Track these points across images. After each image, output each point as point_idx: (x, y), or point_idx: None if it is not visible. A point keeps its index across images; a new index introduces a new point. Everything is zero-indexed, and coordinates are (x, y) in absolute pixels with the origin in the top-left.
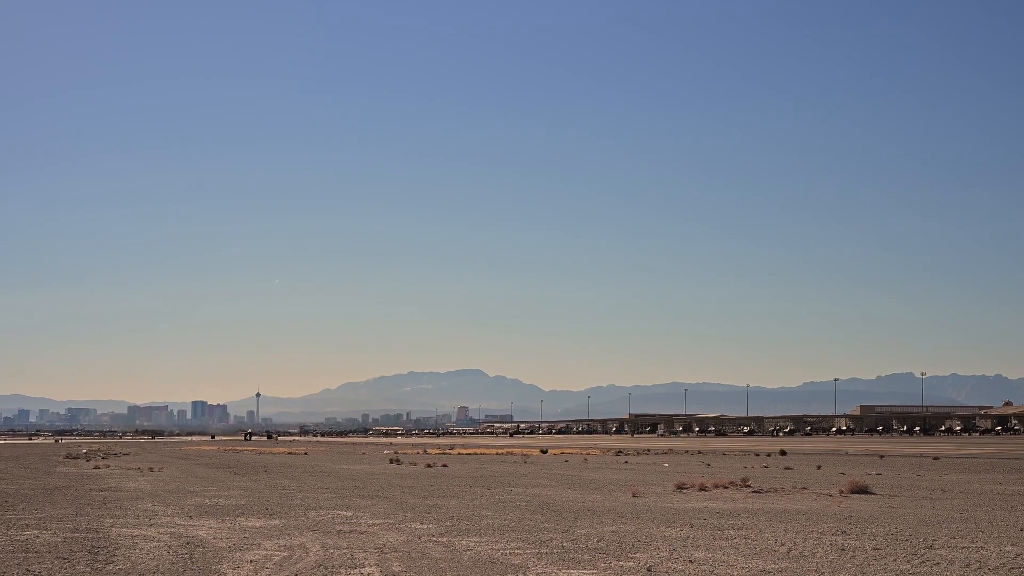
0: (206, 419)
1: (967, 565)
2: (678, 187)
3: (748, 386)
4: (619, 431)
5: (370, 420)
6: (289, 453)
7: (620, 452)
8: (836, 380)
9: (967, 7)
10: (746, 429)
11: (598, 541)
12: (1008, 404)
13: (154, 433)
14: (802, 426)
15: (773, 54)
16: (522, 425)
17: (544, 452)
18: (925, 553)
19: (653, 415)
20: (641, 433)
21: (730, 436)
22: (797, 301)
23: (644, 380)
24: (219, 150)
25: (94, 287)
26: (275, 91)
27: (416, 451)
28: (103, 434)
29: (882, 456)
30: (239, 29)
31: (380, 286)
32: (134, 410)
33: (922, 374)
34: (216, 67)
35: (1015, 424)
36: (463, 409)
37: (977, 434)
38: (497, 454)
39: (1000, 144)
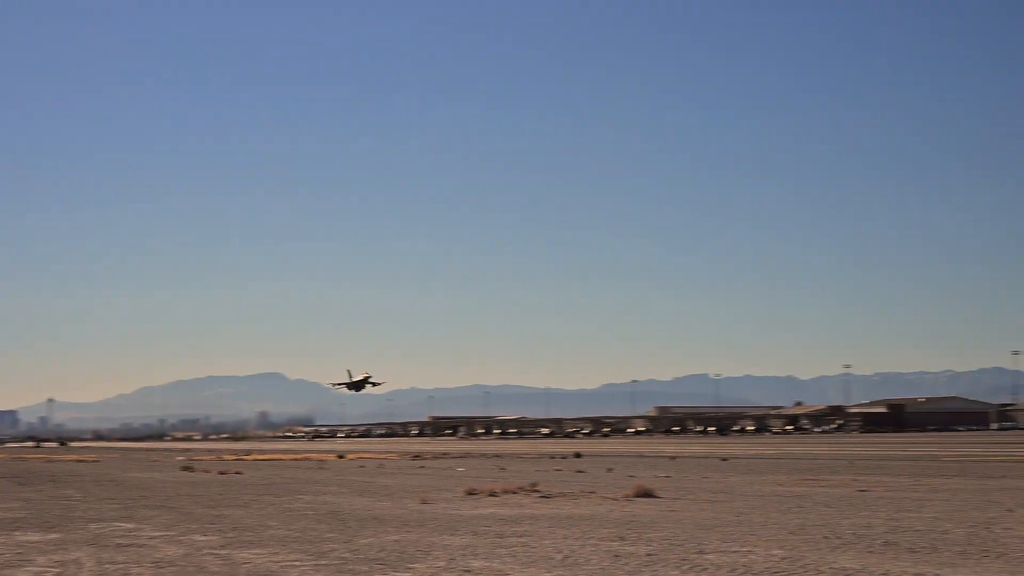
0: None
1: (733, 570)
2: (488, 185)
3: (548, 388)
4: (420, 434)
5: (167, 425)
6: (79, 460)
7: (417, 456)
8: (634, 382)
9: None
10: (545, 431)
11: (379, 551)
12: (799, 404)
13: None
14: (600, 427)
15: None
16: (322, 429)
17: (341, 457)
18: (695, 558)
19: (454, 417)
20: (442, 435)
21: (530, 438)
22: (595, 304)
23: (446, 383)
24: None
25: None
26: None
27: (211, 457)
28: None
29: (673, 458)
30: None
31: (176, 287)
32: None
33: (716, 375)
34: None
35: (805, 423)
36: (263, 413)
37: (769, 433)
38: (294, 460)
39: (803, 146)
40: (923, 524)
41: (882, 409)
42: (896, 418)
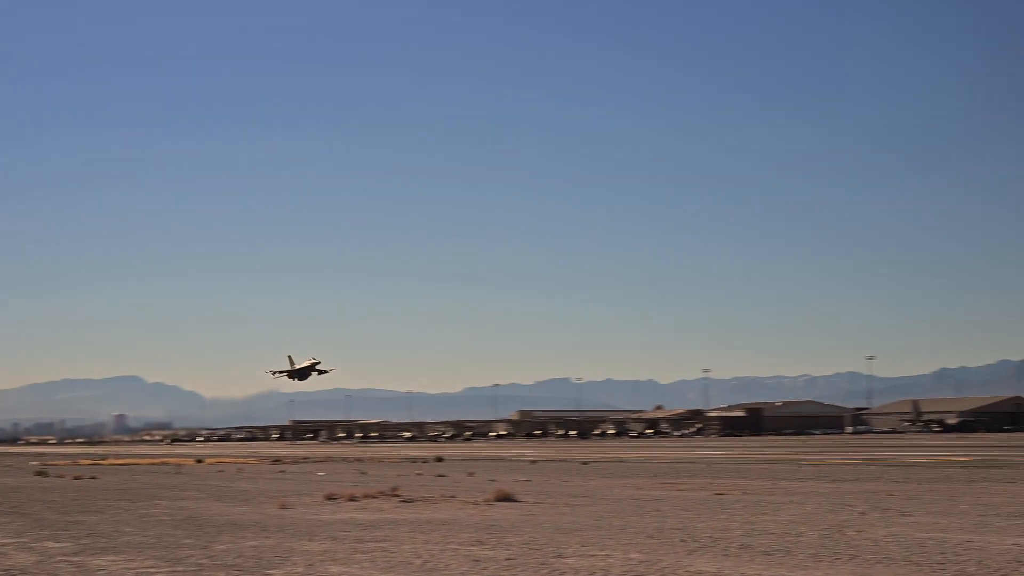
0: None
1: (591, 574)
2: (346, 184)
3: (410, 392)
4: (281, 438)
5: (21, 429)
6: None
7: (277, 460)
8: (496, 385)
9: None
10: (407, 435)
11: (236, 557)
12: (659, 408)
13: None
14: (462, 431)
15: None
16: (181, 433)
17: (200, 462)
18: (554, 563)
19: (315, 422)
20: (303, 440)
21: (392, 442)
22: (458, 307)
23: (306, 387)
24: None
25: None
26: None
27: (67, 462)
28: None
29: (534, 461)
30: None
31: (31, 287)
32: None
33: (578, 379)
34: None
35: (665, 427)
36: (121, 417)
37: (630, 437)
38: (151, 464)
39: (657, 151)
40: (778, 527)
41: (740, 413)
42: (754, 422)
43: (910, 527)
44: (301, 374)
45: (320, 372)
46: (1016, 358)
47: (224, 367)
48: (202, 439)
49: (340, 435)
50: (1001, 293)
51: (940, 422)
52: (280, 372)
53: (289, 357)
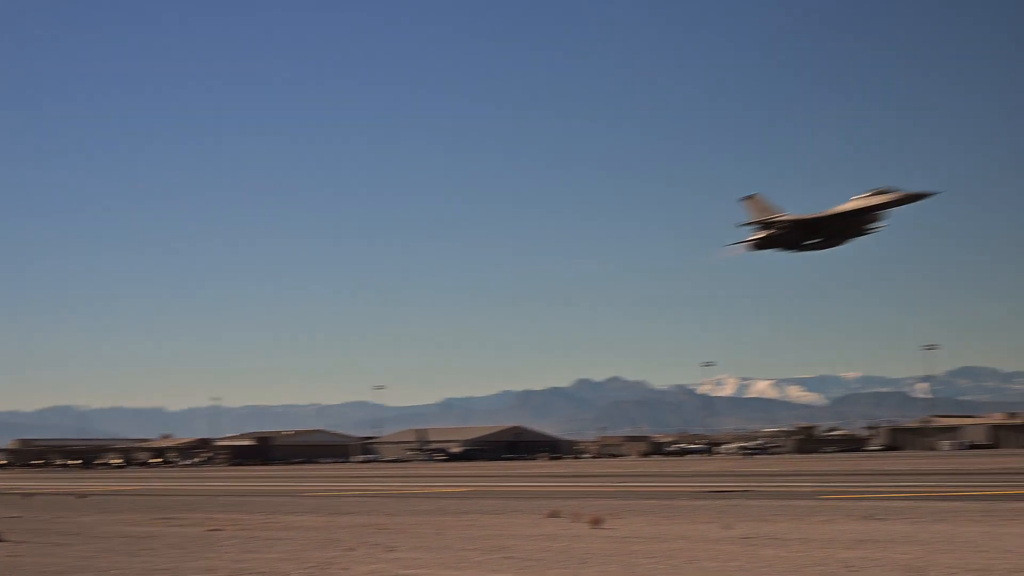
0: None
1: None
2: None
3: None
4: None
5: None
6: None
7: None
8: None
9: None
10: None
11: None
12: (166, 437)
13: None
14: None
15: None
16: None
17: None
18: None
19: None
20: None
21: None
22: None
23: None
24: None
25: None
26: None
27: None
28: None
29: (29, 495)
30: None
31: None
32: None
33: (83, 406)
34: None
35: (173, 456)
36: None
37: (136, 467)
38: None
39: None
40: (266, 565)
41: (250, 442)
42: (263, 451)
43: (393, 563)
44: (836, 231)
45: (861, 233)
46: (517, 388)
47: None
48: None
49: None
50: (504, 328)
51: (444, 451)
52: (775, 225)
53: (753, 196)
